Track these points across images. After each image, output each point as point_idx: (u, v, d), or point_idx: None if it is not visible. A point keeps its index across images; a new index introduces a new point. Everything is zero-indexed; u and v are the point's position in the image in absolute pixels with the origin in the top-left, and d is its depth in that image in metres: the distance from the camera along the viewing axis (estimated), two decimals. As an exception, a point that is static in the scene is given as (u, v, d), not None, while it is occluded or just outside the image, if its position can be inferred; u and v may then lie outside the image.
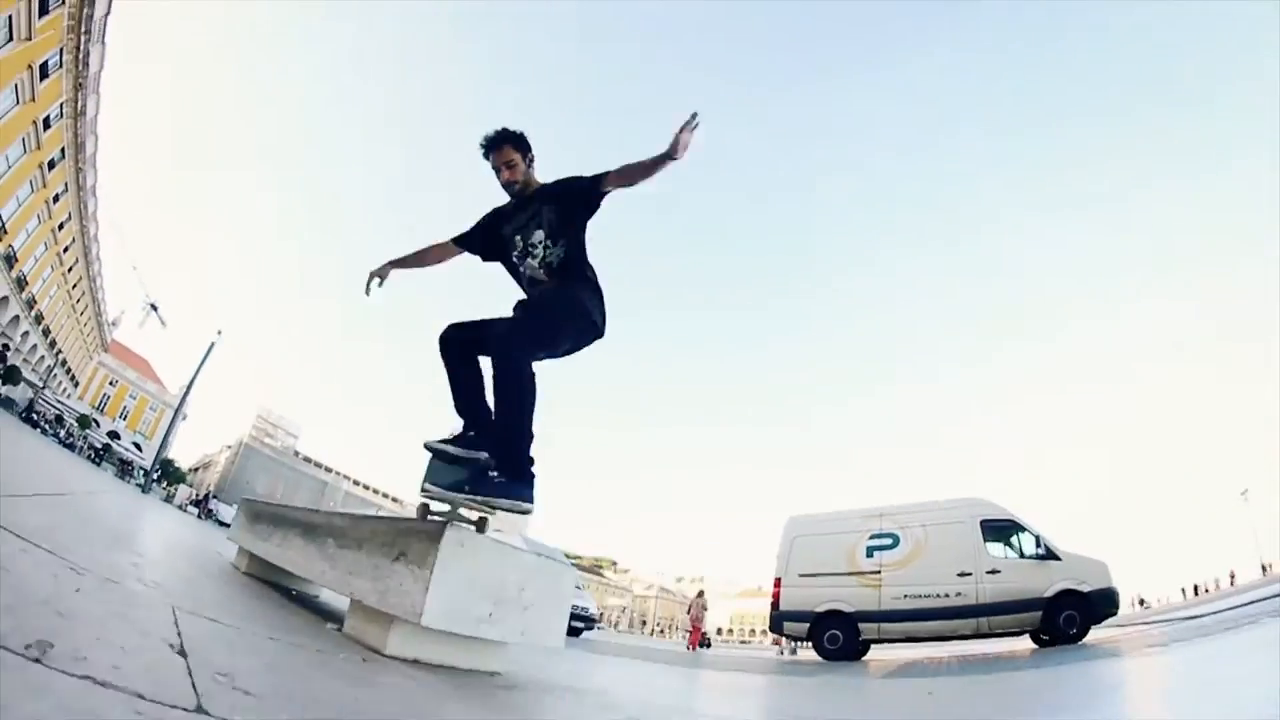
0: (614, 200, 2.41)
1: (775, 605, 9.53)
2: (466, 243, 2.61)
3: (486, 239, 2.58)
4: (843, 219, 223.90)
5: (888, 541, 9.17)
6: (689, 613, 16.28)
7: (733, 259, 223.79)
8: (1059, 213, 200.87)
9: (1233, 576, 39.46)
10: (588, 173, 2.40)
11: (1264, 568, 37.86)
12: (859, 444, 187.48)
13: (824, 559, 9.41)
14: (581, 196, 2.38)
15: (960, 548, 8.68)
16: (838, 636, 8.92)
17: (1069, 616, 7.91)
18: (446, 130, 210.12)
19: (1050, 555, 8.33)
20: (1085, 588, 7.99)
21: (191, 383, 23.80)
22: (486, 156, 2.48)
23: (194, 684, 1.08)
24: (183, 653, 1.27)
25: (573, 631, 10.43)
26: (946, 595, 8.48)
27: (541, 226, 2.40)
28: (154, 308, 48.51)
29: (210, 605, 2.10)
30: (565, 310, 2.31)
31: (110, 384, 50.70)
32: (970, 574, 8.46)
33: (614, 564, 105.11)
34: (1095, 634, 9.01)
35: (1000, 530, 8.78)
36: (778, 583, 9.63)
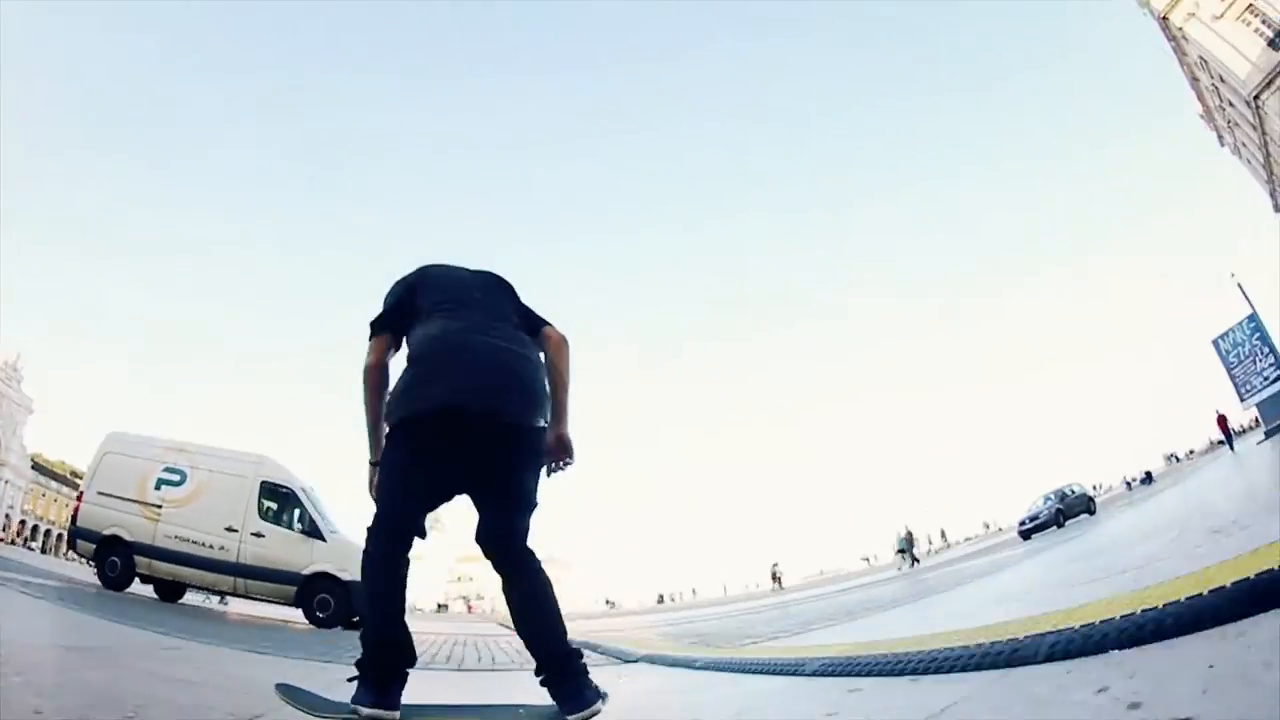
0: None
1: (74, 520, 8.89)
2: None
3: None
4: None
5: (175, 478, 8.91)
6: None
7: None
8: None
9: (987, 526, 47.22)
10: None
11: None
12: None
13: (121, 482, 8.89)
14: None
15: (235, 502, 8.73)
16: (116, 564, 8.46)
17: (323, 600, 8.07)
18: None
19: (315, 534, 8.55)
20: (345, 575, 8.05)
21: None
22: None
23: None
24: None
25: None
26: (211, 546, 8.48)
27: None
28: None
29: None
30: None
31: None
32: (236, 531, 8.54)
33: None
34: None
35: (278, 496, 8.88)
36: (80, 497, 8.98)
